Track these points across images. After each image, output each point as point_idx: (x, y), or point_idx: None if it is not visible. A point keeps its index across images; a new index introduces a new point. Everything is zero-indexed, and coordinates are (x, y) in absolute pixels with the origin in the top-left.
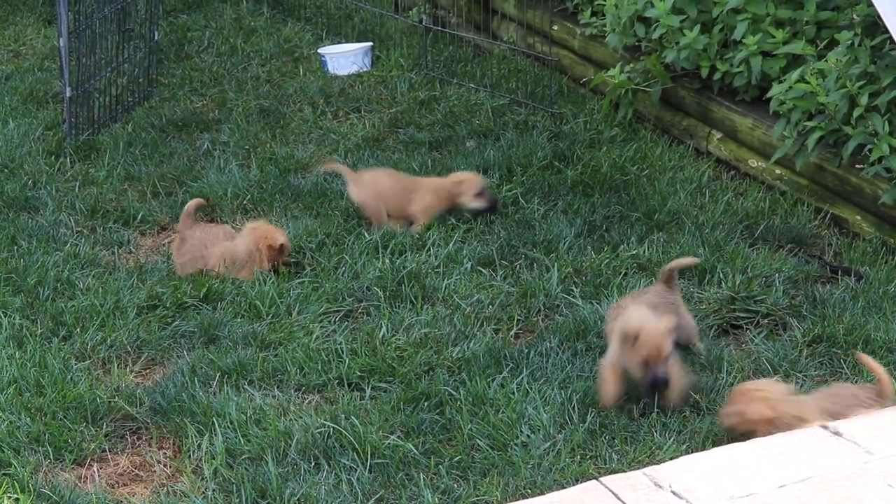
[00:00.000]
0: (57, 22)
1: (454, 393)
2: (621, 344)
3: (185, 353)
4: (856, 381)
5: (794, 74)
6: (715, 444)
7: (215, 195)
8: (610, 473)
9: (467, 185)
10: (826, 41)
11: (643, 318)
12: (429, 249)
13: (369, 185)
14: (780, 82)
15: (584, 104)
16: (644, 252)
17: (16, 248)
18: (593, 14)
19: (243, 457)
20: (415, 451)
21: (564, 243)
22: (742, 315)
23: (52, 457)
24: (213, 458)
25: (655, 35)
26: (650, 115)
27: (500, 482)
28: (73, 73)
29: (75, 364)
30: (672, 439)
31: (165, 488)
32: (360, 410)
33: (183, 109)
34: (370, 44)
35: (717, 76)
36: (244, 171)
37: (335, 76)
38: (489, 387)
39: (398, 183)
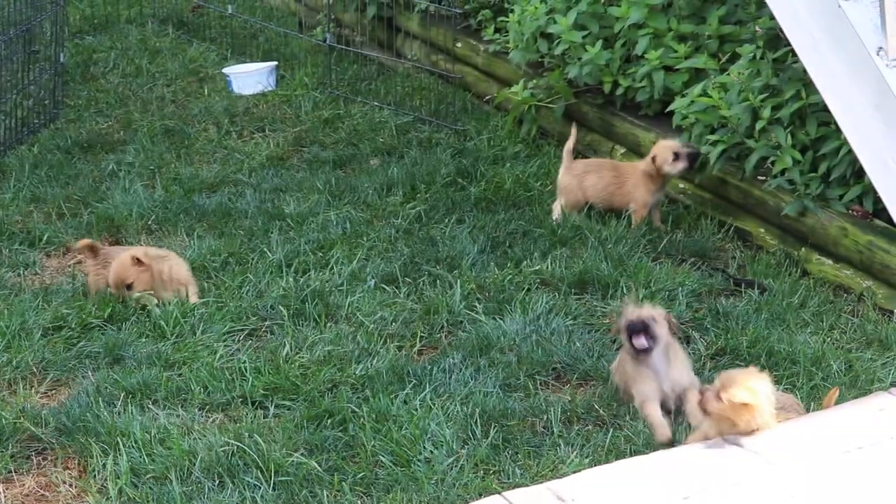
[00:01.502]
0: None
1: (357, 410)
2: None
3: (90, 373)
4: None
5: (697, 88)
6: (618, 457)
7: (120, 216)
8: (513, 488)
9: (660, 155)
10: (728, 55)
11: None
12: (332, 267)
13: (578, 174)
14: (683, 96)
15: (487, 121)
16: (547, 267)
17: None
18: (496, 31)
19: (148, 476)
20: (318, 468)
21: (468, 259)
22: None
23: None
24: (118, 478)
25: (558, 51)
26: (554, 131)
27: (403, 498)
28: None
29: None
30: (575, 453)
31: None
32: (263, 429)
33: (88, 131)
34: (275, 63)
35: (619, 91)
36: (149, 191)
37: (240, 96)
38: (392, 403)
39: (610, 172)
